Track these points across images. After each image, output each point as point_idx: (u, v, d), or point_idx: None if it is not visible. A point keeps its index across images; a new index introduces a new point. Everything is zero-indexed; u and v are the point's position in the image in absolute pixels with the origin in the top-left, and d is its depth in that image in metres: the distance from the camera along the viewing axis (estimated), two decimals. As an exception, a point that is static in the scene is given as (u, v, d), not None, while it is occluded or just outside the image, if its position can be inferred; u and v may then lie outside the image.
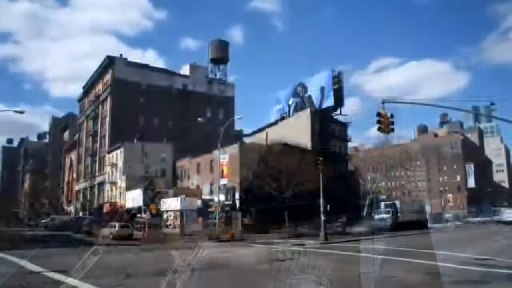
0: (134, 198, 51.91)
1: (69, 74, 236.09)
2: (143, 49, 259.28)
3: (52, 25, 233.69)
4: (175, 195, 44.81)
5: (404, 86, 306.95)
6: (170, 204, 40.43)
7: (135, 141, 63.31)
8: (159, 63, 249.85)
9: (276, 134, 53.23)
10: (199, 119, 51.70)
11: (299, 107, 75.68)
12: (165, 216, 40.55)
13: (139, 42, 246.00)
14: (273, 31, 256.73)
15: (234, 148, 46.53)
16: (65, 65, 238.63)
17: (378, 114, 18.54)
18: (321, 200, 31.34)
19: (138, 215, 43.38)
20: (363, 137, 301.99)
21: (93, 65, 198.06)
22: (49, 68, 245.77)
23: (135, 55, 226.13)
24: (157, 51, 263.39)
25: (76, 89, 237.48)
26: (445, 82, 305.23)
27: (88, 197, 78.68)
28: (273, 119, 79.72)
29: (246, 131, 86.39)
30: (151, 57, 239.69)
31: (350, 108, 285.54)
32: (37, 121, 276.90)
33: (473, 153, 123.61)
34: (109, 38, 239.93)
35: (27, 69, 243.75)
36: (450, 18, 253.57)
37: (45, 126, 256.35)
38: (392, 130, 19.20)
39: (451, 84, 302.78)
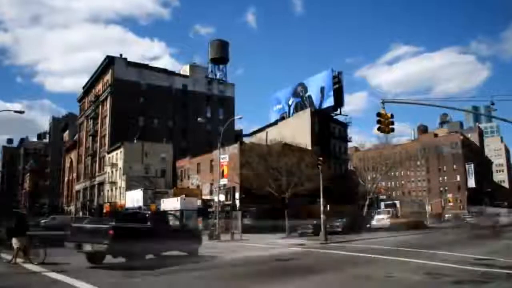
0: (134, 198, 51.89)
1: (68, 67, 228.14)
2: (150, 38, 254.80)
3: (48, 11, 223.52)
4: (175, 195, 44.84)
5: (418, 79, 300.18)
6: (170, 204, 40.41)
7: (135, 141, 63.33)
8: (168, 52, 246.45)
9: (276, 134, 53.21)
10: (199, 119, 51.67)
11: (299, 107, 75.70)
12: (165, 216, 40.53)
13: (148, 30, 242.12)
14: (290, 15, 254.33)
15: (234, 148, 46.53)
16: (62, 57, 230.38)
17: (378, 114, 18.53)
18: (321, 200, 31.32)
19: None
20: (370, 134, 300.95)
21: (95, 55, 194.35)
22: (44, 60, 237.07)
23: (143, 45, 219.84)
24: (166, 40, 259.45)
25: (75, 83, 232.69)
26: (465, 76, 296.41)
27: (88, 197, 78.67)
28: (273, 119, 79.79)
29: (246, 131, 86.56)
30: (160, 47, 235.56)
31: (358, 103, 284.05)
32: (36, 117, 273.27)
33: (473, 153, 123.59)
34: (114, 27, 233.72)
35: (21, 61, 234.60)
36: (468, 5, 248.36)
37: (44, 121, 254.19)
38: (392, 130, 19.20)
39: (472, 77, 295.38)
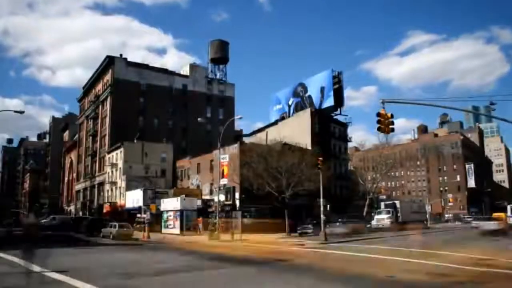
0: (134, 198, 51.89)
1: (69, 59, 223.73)
2: (156, 28, 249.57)
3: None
4: (175, 195, 44.82)
5: (434, 71, 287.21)
6: (170, 204, 40.41)
7: (135, 141, 63.32)
8: (175, 44, 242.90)
9: (276, 134, 53.20)
10: (199, 119, 51.55)
11: (299, 107, 75.70)
12: (165, 216, 40.56)
13: (155, 20, 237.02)
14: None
15: (234, 148, 46.53)
16: (61, 49, 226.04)
17: (378, 114, 18.50)
18: (321, 200, 31.34)
19: (138, 215, 43.37)
20: (376, 132, 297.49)
21: (101, 46, 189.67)
22: (43, 53, 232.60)
23: (151, 34, 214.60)
24: (173, 31, 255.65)
25: (77, 76, 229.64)
26: (486, 68, 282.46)
27: (88, 197, 78.67)
28: (273, 119, 79.82)
29: (246, 131, 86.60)
30: (168, 39, 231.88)
31: (365, 99, 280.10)
32: (36, 112, 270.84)
33: (473, 153, 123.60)
34: (119, 16, 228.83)
35: (15, 52, 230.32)
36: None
37: (42, 116, 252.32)
38: (392, 130, 19.16)
39: (493, 69, 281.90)
